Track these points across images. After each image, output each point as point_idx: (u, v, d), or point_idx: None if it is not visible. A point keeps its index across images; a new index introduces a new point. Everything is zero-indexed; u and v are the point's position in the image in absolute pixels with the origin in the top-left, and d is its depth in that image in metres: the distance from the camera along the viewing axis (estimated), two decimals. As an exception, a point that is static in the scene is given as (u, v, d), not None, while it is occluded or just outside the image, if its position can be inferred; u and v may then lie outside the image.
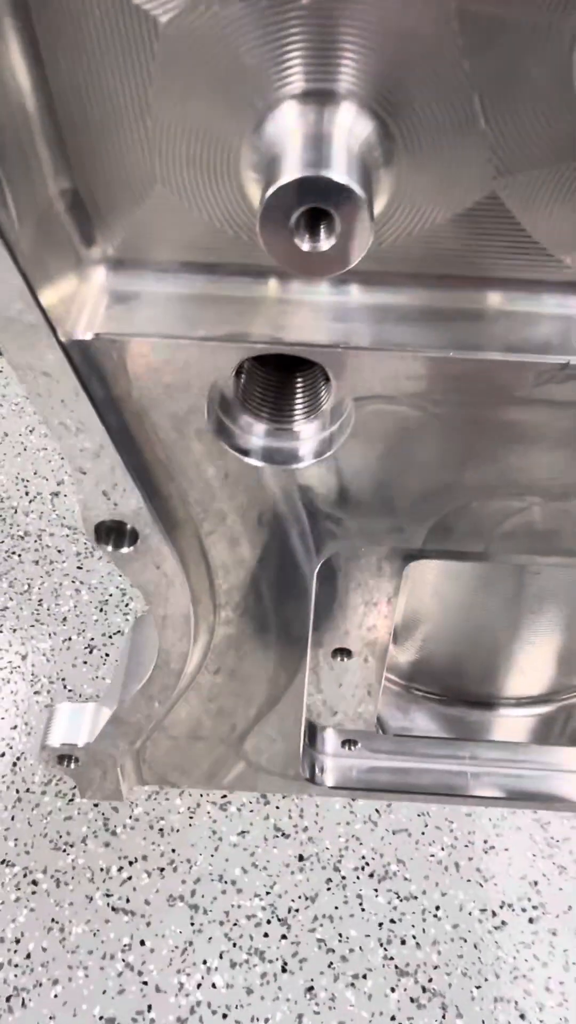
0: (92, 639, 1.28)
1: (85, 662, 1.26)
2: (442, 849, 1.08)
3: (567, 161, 0.26)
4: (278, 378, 0.30)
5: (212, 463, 0.30)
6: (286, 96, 0.23)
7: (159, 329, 0.27)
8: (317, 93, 0.23)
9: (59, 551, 1.41)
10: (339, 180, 0.23)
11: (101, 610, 1.32)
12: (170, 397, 0.28)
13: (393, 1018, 0.95)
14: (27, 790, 1.12)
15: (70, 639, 1.28)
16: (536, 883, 1.05)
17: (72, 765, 0.47)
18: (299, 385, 0.31)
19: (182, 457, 0.29)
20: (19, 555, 1.40)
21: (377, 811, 1.10)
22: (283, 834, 1.08)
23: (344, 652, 0.37)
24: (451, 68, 0.23)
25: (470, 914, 1.02)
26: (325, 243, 0.24)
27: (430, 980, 0.97)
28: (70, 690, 1.22)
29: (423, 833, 1.09)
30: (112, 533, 0.32)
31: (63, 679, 1.24)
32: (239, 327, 0.27)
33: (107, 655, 1.26)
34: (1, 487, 1.52)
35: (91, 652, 1.27)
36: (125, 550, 0.32)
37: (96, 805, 1.10)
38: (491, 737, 0.49)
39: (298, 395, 0.31)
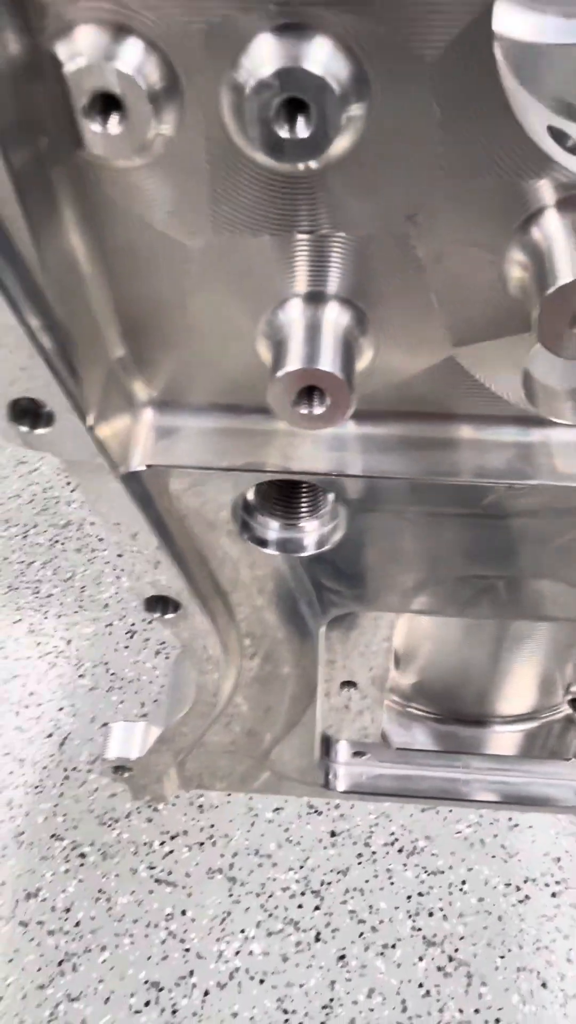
0: (133, 624, 1.34)
1: (126, 647, 1.32)
2: (468, 827, 1.12)
3: (504, 335, 0.31)
4: (289, 488, 0.36)
5: (238, 552, 0.36)
6: (291, 295, 0.29)
7: (195, 461, 0.33)
8: (313, 295, 0.29)
9: (100, 540, 1.47)
10: (326, 369, 0.28)
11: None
12: (203, 507, 0.35)
13: (421, 985, 1.00)
14: (74, 768, 1.18)
15: (112, 625, 1.34)
16: (559, 859, 1.09)
17: (126, 774, 0.54)
18: (304, 493, 0.37)
19: (214, 549, 0.36)
20: (62, 544, 1.46)
21: (406, 790, 1.15)
22: (316, 811, 1.14)
23: (351, 684, 0.44)
24: (411, 277, 0.29)
25: (495, 888, 1.07)
26: (318, 409, 0.30)
27: (456, 950, 1.02)
28: (112, 673, 1.28)
29: (450, 811, 1.14)
30: (159, 603, 0.39)
31: (106, 663, 1.30)
32: (256, 457, 0.34)
33: (147, 640, 1.32)
34: (44, 478, 1.58)
35: (132, 637, 1.33)
36: (169, 616, 0.39)
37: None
38: (482, 750, 0.54)
39: (303, 501, 0.38)
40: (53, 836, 1.12)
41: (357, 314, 0.31)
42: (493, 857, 1.10)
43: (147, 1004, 1.00)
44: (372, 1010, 0.99)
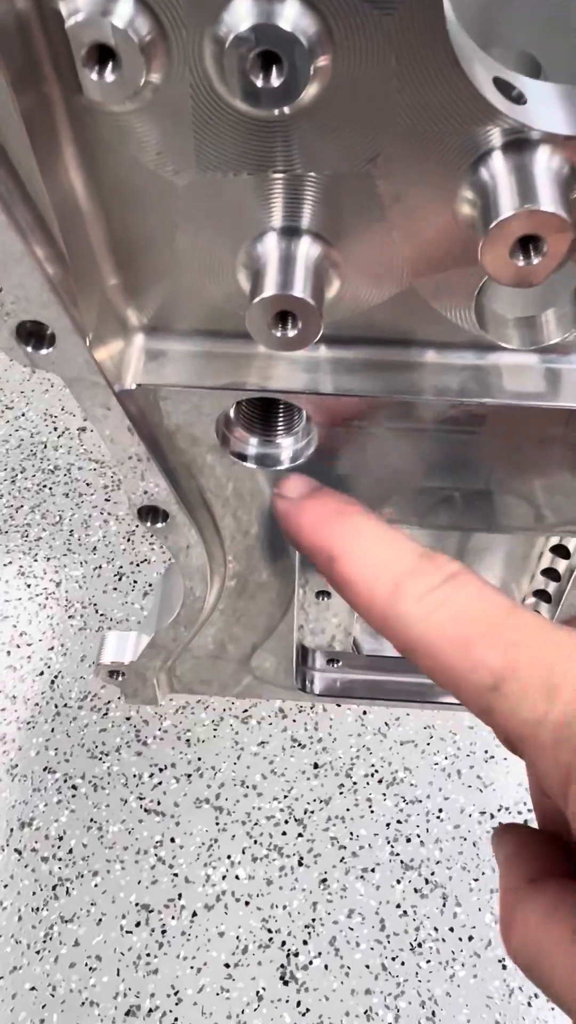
0: (121, 567, 1.37)
1: (115, 588, 1.35)
2: (445, 758, 1.17)
3: (458, 267, 0.33)
4: (265, 407, 0.39)
5: (221, 466, 0.40)
6: (267, 229, 0.32)
7: (181, 380, 0.36)
8: (287, 229, 0.32)
9: (88, 484, 1.49)
10: (298, 295, 0.31)
11: (128, 539, 1.40)
12: (189, 424, 0.38)
13: (398, 906, 1.05)
14: (65, 705, 1.22)
15: (100, 567, 1.37)
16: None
17: (119, 678, 0.58)
18: (280, 413, 0.40)
19: (200, 464, 0.39)
20: (50, 488, 1.48)
21: (386, 723, 1.19)
22: (299, 744, 1.18)
23: (325, 593, 0.47)
24: (374, 215, 0.32)
25: (470, 816, 1.12)
26: (291, 332, 0.32)
27: (432, 873, 1.07)
28: (102, 614, 1.31)
29: (428, 744, 1.18)
30: (149, 513, 0.42)
31: (95, 604, 1.33)
32: (237, 377, 0.37)
33: (135, 582, 1.35)
34: (31, 423, 1.59)
35: (120, 579, 1.36)
36: (160, 525, 0.43)
37: (128, 719, 1.20)
38: None
39: (280, 419, 0.41)
40: (45, 769, 1.16)
41: (326, 247, 0.34)
42: (469, 787, 1.14)
43: (137, 925, 1.04)
44: (352, 929, 1.04)
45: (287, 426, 0.41)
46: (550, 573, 0.48)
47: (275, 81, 0.26)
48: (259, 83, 0.26)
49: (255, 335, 0.34)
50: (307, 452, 0.41)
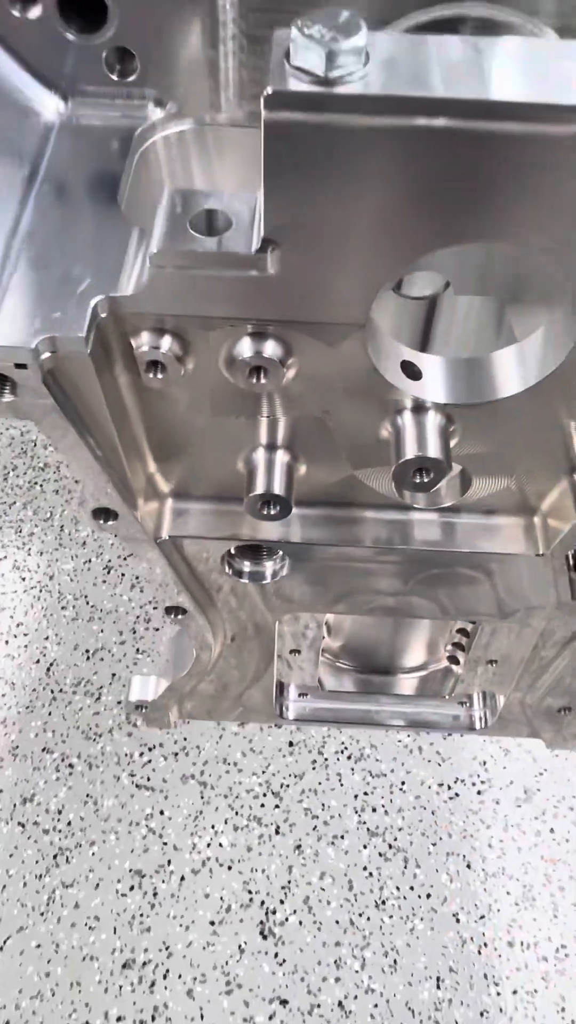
0: (109, 561, 1.47)
1: (104, 581, 1.45)
2: (408, 736, 1.29)
3: (382, 464, 0.44)
4: (255, 546, 0.51)
5: (224, 581, 0.51)
6: (257, 445, 0.42)
7: (198, 532, 0.47)
8: (269, 444, 0.42)
9: (76, 481, 1.58)
10: (277, 492, 0.42)
11: (116, 534, 1.50)
12: (204, 557, 0.50)
13: (364, 868, 1.18)
14: (60, 690, 1.33)
15: (90, 561, 1.47)
16: (484, 763, 1.26)
17: (143, 710, 0.71)
18: (265, 549, 0.52)
19: (210, 579, 0.50)
20: (41, 485, 1.57)
21: (355, 705, 1.31)
22: (276, 725, 1.30)
23: (296, 651, 0.60)
24: (326, 436, 0.44)
25: (429, 787, 1.24)
26: (273, 511, 0.43)
27: (395, 839, 1.20)
28: (92, 605, 1.42)
29: (393, 723, 1.30)
30: (174, 610, 0.54)
31: (86, 596, 1.43)
32: (236, 530, 0.48)
33: (123, 575, 1.45)
34: (21, 422, 1.68)
35: (109, 572, 1.46)
36: (180, 617, 0.55)
37: (119, 703, 1.31)
38: (389, 692, 0.71)
39: (264, 552, 0.51)
40: (44, 750, 1.27)
41: (294, 453, 0.44)
42: (429, 761, 1.27)
43: (131, 888, 1.16)
44: (323, 889, 1.16)
45: (269, 556, 0.54)
46: (463, 632, 0.62)
47: (264, 379, 0.37)
48: (253, 380, 0.37)
49: (247, 509, 0.47)
50: (282, 573, 0.54)
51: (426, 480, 0.36)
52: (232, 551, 0.53)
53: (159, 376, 0.40)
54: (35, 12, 0.43)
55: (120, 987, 1.10)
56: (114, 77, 0.44)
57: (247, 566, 0.55)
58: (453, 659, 0.63)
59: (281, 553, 0.52)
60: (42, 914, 1.14)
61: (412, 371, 0.36)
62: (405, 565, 0.46)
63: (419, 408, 0.37)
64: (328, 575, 0.50)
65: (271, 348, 0.38)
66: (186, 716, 0.75)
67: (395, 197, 0.29)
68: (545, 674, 0.50)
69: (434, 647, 0.54)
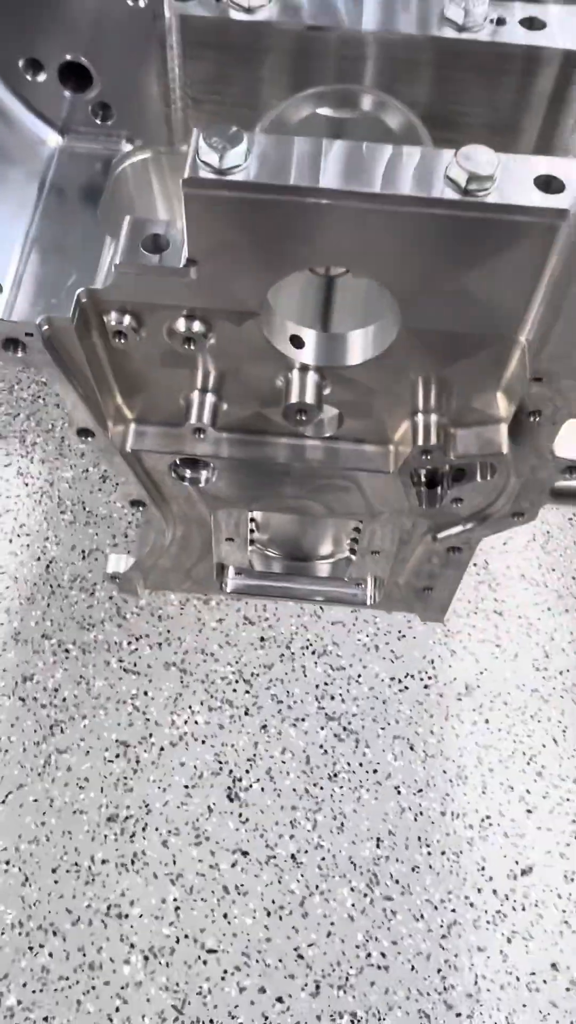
0: (104, 471, 1.61)
1: (100, 489, 1.59)
2: (367, 636, 1.45)
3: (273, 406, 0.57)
4: (193, 459, 0.65)
5: (172, 484, 0.65)
6: (194, 389, 0.56)
7: (152, 448, 0.60)
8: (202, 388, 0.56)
9: (66, 412, 1.71)
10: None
11: (93, 447, 1.64)
12: (159, 466, 0.63)
13: (321, 747, 1.35)
14: (59, 586, 1.48)
15: (87, 470, 1.61)
16: (432, 661, 1.42)
17: (117, 580, 0.88)
18: (201, 461, 0.65)
19: (162, 481, 0.64)
20: (43, 399, 1.70)
21: (321, 608, 1.47)
22: (250, 622, 1.46)
23: (230, 539, 0.74)
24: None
25: (382, 680, 1.41)
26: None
27: (349, 723, 1.37)
28: (88, 511, 1.56)
29: (354, 624, 1.46)
30: (137, 504, 0.68)
31: (83, 502, 1.57)
32: (178, 446, 0.62)
33: (116, 485, 1.59)
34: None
35: (104, 481, 1.60)
36: (141, 509, 0.69)
37: (111, 598, 1.47)
38: (308, 574, 0.85)
39: (201, 464, 0.65)
40: (43, 636, 1.43)
41: (219, 395, 0.58)
42: (384, 658, 1.43)
43: (117, 756, 1.34)
44: (284, 762, 1.34)
45: (205, 467, 0.67)
46: (356, 529, 0.76)
47: (193, 346, 0.51)
48: (186, 347, 0.51)
49: (187, 436, 0.63)
50: (212, 479, 0.68)
51: (304, 419, 0.49)
52: (177, 461, 0.68)
53: (122, 341, 0.54)
54: (42, 77, 0.61)
55: (105, 836, 1.28)
56: (98, 121, 0.62)
57: (187, 473, 0.70)
58: (352, 550, 0.77)
59: (212, 464, 0.67)
60: (39, 774, 1.32)
61: (297, 342, 0.48)
62: (301, 476, 0.59)
63: (303, 367, 0.50)
64: (246, 481, 0.64)
65: (197, 326, 0.51)
66: (149, 587, 0.90)
67: (264, 239, 0.43)
68: (409, 561, 0.64)
69: (338, 541, 0.68)
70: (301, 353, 0.50)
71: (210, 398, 0.58)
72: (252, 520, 0.67)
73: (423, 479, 0.53)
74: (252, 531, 0.70)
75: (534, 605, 1.48)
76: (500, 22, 0.45)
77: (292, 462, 0.59)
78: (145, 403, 0.63)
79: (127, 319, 0.53)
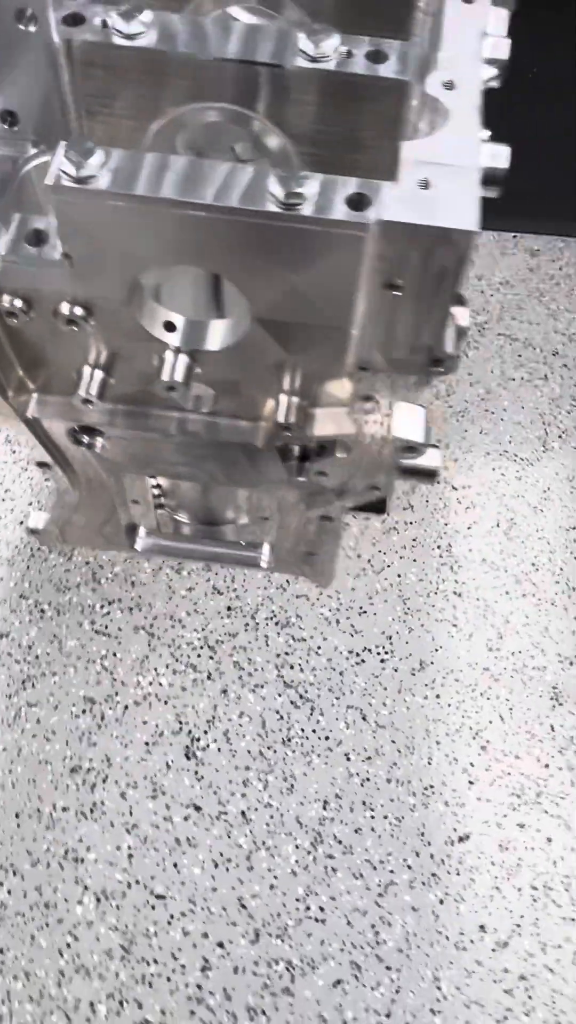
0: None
1: (84, 459, 1.66)
2: (330, 611, 1.51)
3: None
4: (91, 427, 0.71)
5: (72, 448, 0.72)
6: (85, 363, 0.62)
7: (51, 416, 0.66)
8: (93, 364, 0.62)
9: None
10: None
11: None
12: (58, 434, 0.69)
13: (277, 712, 1.42)
14: (39, 549, 1.55)
15: (73, 441, 1.68)
16: (391, 638, 1.49)
17: (35, 535, 0.96)
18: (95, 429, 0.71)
19: (65, 445, 0.70)
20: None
21: (288, 581, 1.53)
22: (218, 592, 1.52)
23: (135, 502, 0.80)
24: None
25: (341, 653, 1.47)
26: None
27: (306, 692, 1.43)
28: (71, 479, 1.63)
29: (318, 599, 1.52)
30: (44, 465, 0.74)
31: (67, 471, 1.64)
32: (74, 416, 0.69)
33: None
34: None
35: (88, 452, 1.66)
36: (48, 472, 0.76)
37: (87, 563, 1.54)
38: (215, 537, 0.91)
39: (96, 431, 0.71)
40: (21, 596, 1.50)
41: (107, 370, 0.64)
42: (344, 632, 1.49)
43: (84, 711, 1.41)
44: (241, 726, 1.40)
45: (98, 433, 0.74)
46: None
47: (76, 327, 0.56)
48: (71, 327, 0.57)
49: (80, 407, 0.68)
50: (106, 445, 0.74)
51: (175, 395, 0.55)
52: (75, 428, 0.74)
53: (15, 321, 0.60)
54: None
55: (67, 786, 1.35)
56: (5, 127, 0.67)
57: (85, 439, 0.76)
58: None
59: (105, 432, 0.73)
60: (9, 725, 1.39)
61: (170, 326, 0.54)
62: (186, 446, 0.65)
63: (177, 349, 0.56)
64: (136, 449, 0.70)
65: (78, 310, 0.58)
66: (68, 542, 0.98)
67: (119, 238, 0.49)
68: (290, 528, 0.70)
69: (237, 508, 0.74)
70: (171, 337, 0.56)
71: (98, 373, 0.64)
72: (158, 486, 0.73)
73: (296, 454, 0.59)
74: (160, 496, 0.76)
75: (492, 589, 1.54)
76: (349, 55, 0.50)
77: (176, 433, 0.65)
78: (45, 376, 0.70)
79: (18, 302, 0.59)
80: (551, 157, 2.08)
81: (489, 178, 0.47)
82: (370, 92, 0.51)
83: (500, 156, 0.48)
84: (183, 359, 0.56)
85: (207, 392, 0.61)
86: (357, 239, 0.42)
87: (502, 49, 0.53)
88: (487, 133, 0.49)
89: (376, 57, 0.51)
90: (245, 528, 0.79)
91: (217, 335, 0.55)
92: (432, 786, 1.37)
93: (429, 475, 0.58)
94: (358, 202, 0.42)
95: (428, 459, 0.57)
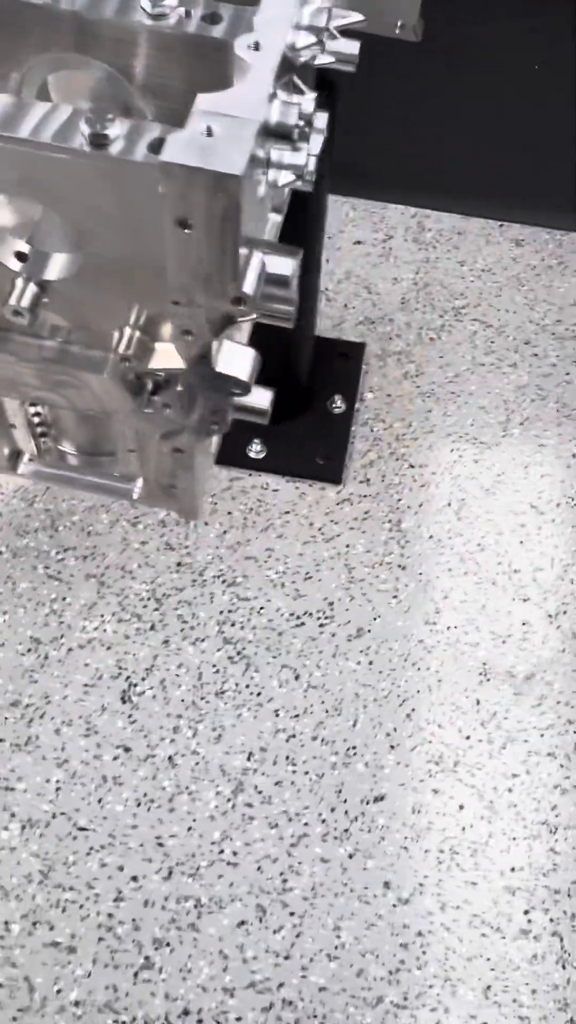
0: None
1: (55, 411, 1.71)
2: (276, 573, 1.56)
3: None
4: None
5: None
6: None
7: None
8: None
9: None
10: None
11: None
12: None
13: (214, 666, 1.47)
14: (1, 493, 1.61)
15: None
16: (332, 604, 1.53)
17: None
18: None
19: None
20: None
21: (239, 543, 1.58)
22: (171, 548, 1.57)
23: (12, 426, 0.82)
24: None
25: (282, 615, 1.52)
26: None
27: (244, 649, 1.49)
28: (41, 429, 1.68)
29: (266, 561, 1.57)
30: None
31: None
32: None
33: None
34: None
35: (60, 404, 1.71)
36: None
37: (47, 511, 1.59)
38: (95, 467, 0.93)
39: None
40: (-20, 536, 1.56)
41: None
42: (288, 595, 1.54)
43: (29, 651, 1.47)
44: (178, 676, 1.46)
45: None
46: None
47: None
48: None
49: None
50: None
51: (21, 320, 0.59)
52: None
53: None
54: None
55: (5, 718, 1.41)
56: None
57: None
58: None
59: None
60: (-44, 657, 1.46)
61: (22, 256, 0.58)
62: (40, 371, 0.68)
63: (27, 278, 0.60)
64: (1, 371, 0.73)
65: None
66: None
67: None
68: (152, 461, 0.74)
69: (111, 440, 0.77)
70: (20, 266, 0.60)
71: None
72: (38, 415, 0.77)
73: (149, 388, 0.63)
74: (41, 424, 0.79)
75: (436, 564, 1.58)
76: (187, 15, 0.54)
77: (32, 358, 0.69)
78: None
79: None
80: (544, 147, 2.10)
81: (279, 134, 0.51)
82: (201, 51, 0.55)
83: (289, 115, 0.52)
84: (32, 288, 0.60)
85: (63, 322, 0.65)
86: (151, 178, 0.47)
87: (330, 19, 0.57)
88: (313, 95, 0.53)
89: (212, 19, 0.55)
90: (118, 461, 0.83)
91: (56, 267, 0.59)
92: (355, 747, 1.42)
93: (260, 414, 0.62)
94: (158, 145, 0.47)
95: (257, 399, 0.61)
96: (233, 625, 1.51)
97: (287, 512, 1.61)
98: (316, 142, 0.58)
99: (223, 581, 1.55)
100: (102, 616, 1.51)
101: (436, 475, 1.67)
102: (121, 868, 1.32)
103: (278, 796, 1.38)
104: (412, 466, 1.68)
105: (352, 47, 0.59)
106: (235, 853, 1.34)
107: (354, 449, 1.68)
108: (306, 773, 1.39)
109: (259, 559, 1.57)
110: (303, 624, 1.51)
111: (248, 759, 1.40)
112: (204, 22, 0.55)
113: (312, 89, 0.54)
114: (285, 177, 0.55)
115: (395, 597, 1.54)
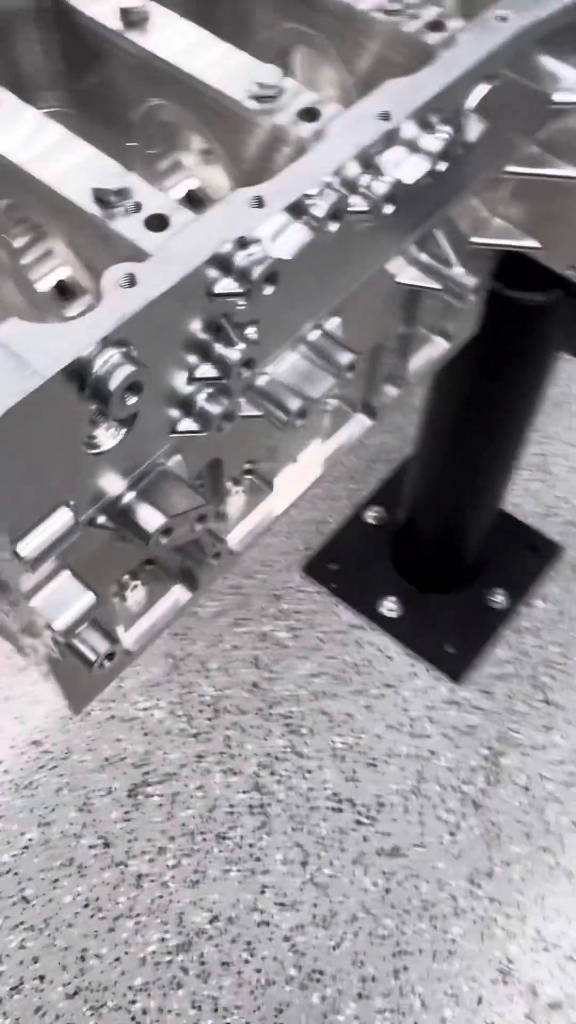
0: None
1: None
2: (344, 744, 1.41)
3: None
4: None
5: None
6: None
7: None
8: None
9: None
10: None
11: None
12: None
13: (231, 806, 1.35)
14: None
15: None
16: (382, 806, 1.36)
17: None
18: None
19: None
20: None
21: (324, 693, 1.45)
22: (256, 665, 1.48)
23: None
24: None
25: (326, 791, 1.37)
26: None
27: (269, 805, 1.35)
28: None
29: (341, 725, 1.43)
30: None
31: None
32: None
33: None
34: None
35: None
36: None
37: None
38: None
39: None
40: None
41: None
42: (342, 772, 1.39)
43: (77, 699, 1.44)
44: (192, 797, 1.36)
45: None
46: None
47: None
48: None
49: None
50: None
51: None
52: None
53: None
54: None
55: (21, 753, 1.39)
56: None
57: None
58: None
59: None
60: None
61: None
62: None
63: None
64: None
65: None
66: None
67: None
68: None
69: None
70: None
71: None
72: None
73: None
74: None
75: (516, 823, 1.35)
76: None
77: None
78: None
79: None
80: None
81: None
82: None
83: None
84: None
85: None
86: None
87: None
88: None
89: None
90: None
91: None
92: (322, 974, 1.23)
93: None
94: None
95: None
96: (272, 774, 1.38)
97: (389, 686, 1.46)
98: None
99: (287, 724, 1.42)
100: (157, 700, 1.44)
101: (570, 724, 1.43)
102: (36, 960, 1.24)
103: (217, 979, 1.23)
104: (547, 702, 1.45)
105: None
106: (144, 1012, 1.21)
107: (492, 654, 1.49)
108: (257, 971, 1.23)
109: (335, 720, 1.43)
110: (341, 811, 1.35)
111: (210, 922, 1.27)
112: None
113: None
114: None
115: (452, 835, 1.34)
